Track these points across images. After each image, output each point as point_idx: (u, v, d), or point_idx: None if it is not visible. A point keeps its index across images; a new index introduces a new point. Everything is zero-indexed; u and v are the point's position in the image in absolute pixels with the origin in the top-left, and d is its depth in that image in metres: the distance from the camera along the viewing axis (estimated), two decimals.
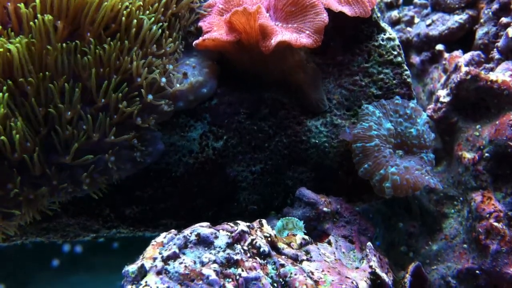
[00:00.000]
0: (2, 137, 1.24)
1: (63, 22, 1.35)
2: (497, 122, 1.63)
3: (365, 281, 1.27)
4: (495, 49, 1.87)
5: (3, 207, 1.31)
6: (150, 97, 1.41)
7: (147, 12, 1.45)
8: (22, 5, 1.32)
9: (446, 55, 2.10)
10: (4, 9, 1.36)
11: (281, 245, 1.28)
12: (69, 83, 1.33)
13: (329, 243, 1.45)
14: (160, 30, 1.45)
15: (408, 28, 2.40)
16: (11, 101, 1.27)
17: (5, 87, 1.26)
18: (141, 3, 1.43)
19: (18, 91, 1.29)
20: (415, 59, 2.32)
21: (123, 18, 1.39)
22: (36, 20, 1.30)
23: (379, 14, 1.76)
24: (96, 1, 1.35)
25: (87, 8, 1.35)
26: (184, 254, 1.08)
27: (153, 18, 1.44)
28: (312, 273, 1.22)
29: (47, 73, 1.31)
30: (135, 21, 1.39)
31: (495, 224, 1.54)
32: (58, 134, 1.32)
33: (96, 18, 1.37)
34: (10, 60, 1.28)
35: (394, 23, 2.46)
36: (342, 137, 1.62)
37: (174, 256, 1.06)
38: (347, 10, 1.57)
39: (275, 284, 1.11)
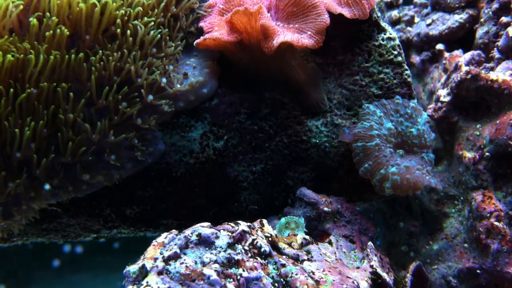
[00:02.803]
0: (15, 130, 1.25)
1: (66, 27, 1.36)
2: (497, 122, 1.63)
3: (366, 281, 1.27)
4: (495, 49, 1.87)
5: (3, 205, 1.32)
6: (150, 97, 1.42)
7: (147, 15, 1.45)
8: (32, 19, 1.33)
9: (446, 54, 2.10)
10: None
11: (282, 245, 1.28)
12: (72, 87, 1.34)
13: (330, 243, 1.45)
14: (159, 36, 1.46)
15: (408, 28, 2.40)
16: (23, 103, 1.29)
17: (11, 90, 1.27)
18: (140, 8, 1.44)
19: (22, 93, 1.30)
20: (416, 58, 2.32)
21: (120, 23, 1.40)
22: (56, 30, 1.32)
23: (379, 14, 1.76)
24: (96, 7, 1.37)
25: (86, 14, 1.37)
26: (185, 254, 1.08)
27: (152, 23, 1.44)
28: (313, 273, 1.22)
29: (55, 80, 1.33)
30: (131, 26, 1.41)
31: (496, 223, 1.54)
32: (61, 135, 1.33)
33: (97, 22, 1.38)
34: (15, 64, 1.29)
35: (394, 22, 2.46)
36: (341, 139, 1.62)
37: (175, 256, 1.06)
38: (346, 12, 1.57)
39: (276, 284, 1.11)
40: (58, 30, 1.33)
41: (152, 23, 1.45)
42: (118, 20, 1.40)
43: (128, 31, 1.41)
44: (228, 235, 1.14)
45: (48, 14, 1.35)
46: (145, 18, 1.45)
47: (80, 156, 1.34)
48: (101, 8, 1.39)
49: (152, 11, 1.48)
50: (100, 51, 1.38)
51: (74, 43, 1.40)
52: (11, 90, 1.27)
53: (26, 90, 1.28)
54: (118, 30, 1.39)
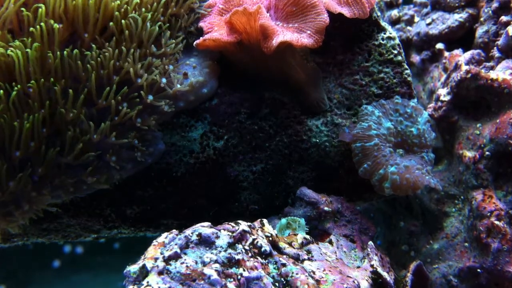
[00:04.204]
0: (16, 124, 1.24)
1: (64, 24, 1.35)
2: (497, 121, 1.63)
3: (367, 280, 1.28)
4: (495, 48, 1.87)
5: (4, 205, 1.32)
6: (150, 98, 1.42)
7: (144, 11, 1.45)
8: (25, 11, 1.32)
9: (446, 54, 2.10)
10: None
11: (282, 244, 1.28)
12: (69, 85, 1.34)
13: (330, 242, 1.45)
14: (158, 29, 1.45)
15: (408, 27, 2.40)
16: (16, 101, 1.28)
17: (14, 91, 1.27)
18: (138, 0, 1.43)
19: (22, 92, 1.30)
20: (416, 58, 2.32)
21: (118, 18, 1.39)
22: (40, 24, 1.31)
23: (379, 13, 1.76)
24: (92, 3, 1.36)
25: (81, 8, 1.36)
26: (185, 254, 1.08)
27: (149, 16, 1.43)
28: (314, 273, 1.22)
29: (50, 77, 1.32)
30: (129, 21, 1.40)
31: (496, 222, 1.54)
32: (60, 135, 1.33)
33: (90, 18, 1.38)
34: (11, 62, 1.29)
35: (394, 22, 2.46)
36: (341, 139, 1.62)
37: (175, 256, 1.06)
38: (346, 11, 1.57)
39: (277, 284, 1.11)
40: (43, 24, 1.31)
41: (149, 16, 1.43)
42: (116, 13, 1.39)
43: (126, 26, 1.39)
44: (228, 234, 1.14)
45: (41, 6, 1.34)
46: (143, 10, 1.44)
47: (85, 158, 1.34)
48: (97, 4, 1.38)
49: (151, 8, 1.47)
50: (95, 48, 1.37)
51: (74, 44, 1.39)
52: (14, 93, 1.27)
53: (17, 87, 1.27)
54: (116, 21, 1.38)
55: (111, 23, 1.40)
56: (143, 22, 1.41)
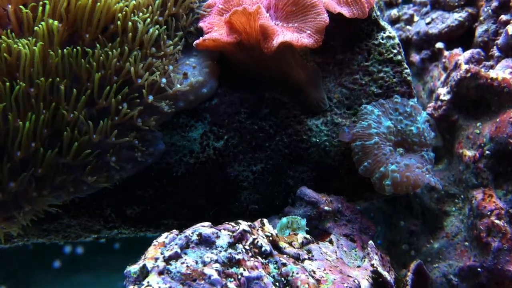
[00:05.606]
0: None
1: (63, 24, 1.35)
2: (497, 120, 1.63)
3: (367, 280, 1.28)
4: (495, 47, 1.87)
5: (5, 206, 1.32)
6: (150, 98, 1.42)
7: (143, 13, 1.45)
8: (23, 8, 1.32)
9: (446, 53, 2.10)
10: (3, 11, 1.36)
11: (282, 244, 1.28)
12: (70, 85, 1.34)
13: (331, 242, 1.45)
14: (157, 32, 1.45)
15: (408, 27, 2.40)
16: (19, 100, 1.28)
17: (18, 87, 1.27)
18: (134, 2, 1.43)
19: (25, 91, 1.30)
20: (415, 57, 2.32)
21: (119, 20, 1.39)
22: (42, 24, 1.31)
23: (378, 13, 1.76)
24: (91, 3, 1.36)
25: (84, 9, 1.36)
26: (185, 254, 1.08)
27: (148, 19, 1.43)
28: (314, 272, 1.22)
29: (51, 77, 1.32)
30: (130, 23, 1.40)
31: (496, 221, 1.54)
32: (61, 135, 1.33)
33: (93, 19, 1.38)
34: (13, 61, 1.29)
35: (393, 21, 2.46)
36: (340, 138, 1.62)
37: (176, 256, 1.06)
38: (345, 11, 1.57)
39: (277, 283, 1.11)
40: (44, 24, 1.31)
41: (148, 20, 1.44)
42: (119, 14, 1.39)
43: (128, 27, 1.40)
44: (228, 234, 1.14)
45: (41, 7, 1.34)
46: (141, 14, 1.44)
47: (82, 158, 1.34)
48: (101, 6, 1.38)
49: (149, 9, 1.47)
50: (99, 48, 1.37)
51: (74, 44, 1.39)
52: (17, 87, 1.26)
53: (20, 85, 1.27)
54: (119, 23, 1.39)
55: (112, 25, 1.40)
56: (144, 23, 1.41)
